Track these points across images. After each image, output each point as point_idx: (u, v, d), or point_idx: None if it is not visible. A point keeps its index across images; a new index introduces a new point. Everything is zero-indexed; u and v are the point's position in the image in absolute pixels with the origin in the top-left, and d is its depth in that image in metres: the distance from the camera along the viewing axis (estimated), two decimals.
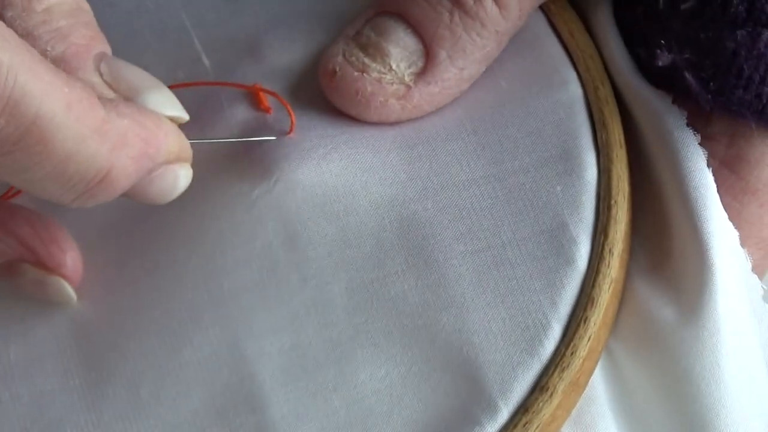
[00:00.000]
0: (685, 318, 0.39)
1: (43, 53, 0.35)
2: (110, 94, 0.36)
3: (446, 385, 0.39)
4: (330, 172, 0.41)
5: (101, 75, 0.36)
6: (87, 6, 0.38)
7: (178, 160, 0.37)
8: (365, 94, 0.41)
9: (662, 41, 0.40)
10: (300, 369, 0.39)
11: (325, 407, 0.39)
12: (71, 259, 0.40)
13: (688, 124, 0.40)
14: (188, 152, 0.38)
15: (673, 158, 0.40)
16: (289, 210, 0.41)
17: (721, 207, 0.40)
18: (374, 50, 0.41)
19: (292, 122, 0.42)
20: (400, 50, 0.41)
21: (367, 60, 0.41)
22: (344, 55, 0.41)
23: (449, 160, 0.42)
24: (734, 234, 0.40)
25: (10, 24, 0.35)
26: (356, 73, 0.41)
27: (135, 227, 0.42)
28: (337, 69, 0.41)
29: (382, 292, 0.40)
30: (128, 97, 0.36)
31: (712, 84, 0.39)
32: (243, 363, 0.39)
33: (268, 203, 0.41)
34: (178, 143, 0.37)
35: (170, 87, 0.41)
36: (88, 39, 0.36)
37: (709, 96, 0.39)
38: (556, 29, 0.44)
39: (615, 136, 0.41)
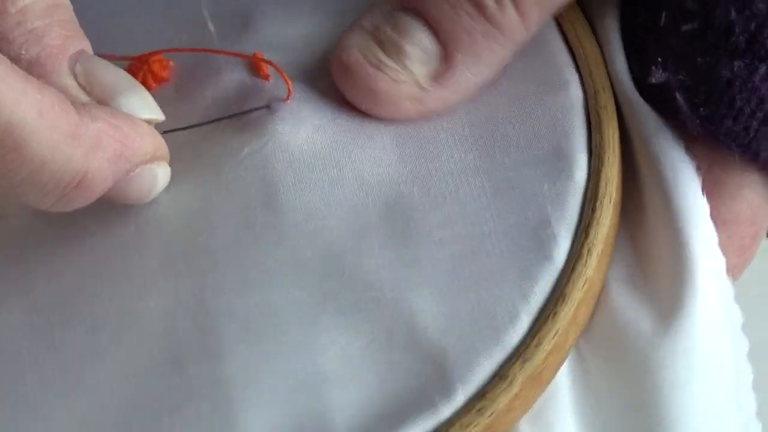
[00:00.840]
0: (662, 333, 0.39)
1: (18, 56, 0.36)
2: (84, 98, 0.37)
3: (407, 364, 0.39)
4: (321, 143, 0.41)
5: (76, 77, 0.37)
6: (66, 1, 0.38)
7: (154, 159, 0.38)
8: (379, 92, 0.41)
9: (659, 58, 0.40)
10: (262, 327, 0.39)
11: (281, 367, 0.39)
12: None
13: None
14: (165, 150, 0.39)
15: (666, 177, 0.40)
16: (275, 172, 0.41)
17: (714, 232, 0.40)
18: (391, 48, 0.40)
19: (289, 89, 0.41)
20: (418, 51, 0.40)
21: (383, 57, 0.40)
22: (360, 49, 0.41)
23: (441, 149, 0.42)
24: (721, 260, 0.40)
25: None
26: (371, 70, 0.40)
27: None
28: (352, 63, 0.41)
29: (356, 264, 0.40)
30: (103, 101, 0.37)
31: (702, 110, 0.39)
32: (207, 316, 0.39)
33: (255, 163, 0.41)
34: (154, 143, 0.38)
35: (172, 50, 0.43)
36: (63, 38, 0.37)
37: (698, 121, 0.40)
38: (563, 31, 0.44)
39: (609, 140, 0.41)
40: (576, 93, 0.42)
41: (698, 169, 0.41)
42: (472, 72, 0.41)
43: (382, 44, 0.41)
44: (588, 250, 0.40)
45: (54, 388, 0.39)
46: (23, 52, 0.36)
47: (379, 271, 0.40)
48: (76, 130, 0.34)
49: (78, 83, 0.37)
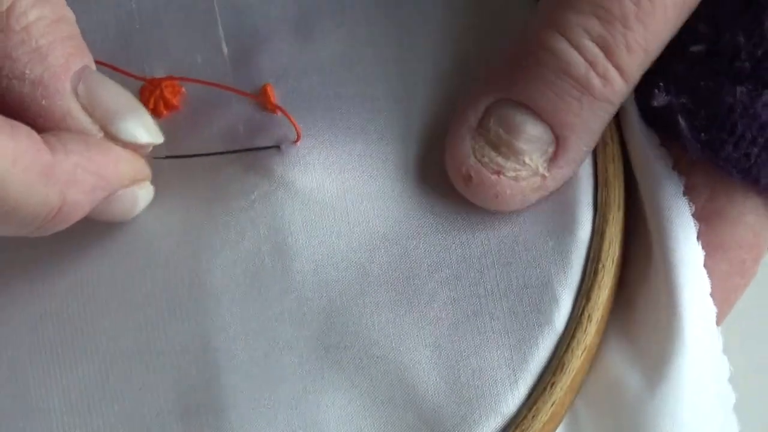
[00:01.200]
0: (650, 389, 0.39)
1: (21, 75, 0.36)
2: (86, 119, 0.37)
3: (406, 426, 0.39)
4: (330, 192, 0.41)
5: (78, 97, 0.37)
6: (69, 14, 0.38)
7: (134, 182, 0.39)
8: (505, 196, 0.40)
9: (661, 82, 0.40)
10: (266, 380, 0.39)
11: (283, 423, 0.39)
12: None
13: (684, 194, 0.40)
14: (145, 172, 0.39)
15: (665, 226, 0.40)
16: (284, 219, 0.41)
17: (707, 284, 0.39)
18: (507, 149, 0.40)
19: (298, 134, 0.42)
20: (532, 144, 0.40)
21: (500, 160, 0.40)
22: (476, 156, 0.40)
23: (446, 203, 0.41)
24: (712, 311, 0.40)
25: None
26: (493, 177, 0.40)
27: None
28: (472, 174, 0.40)
29: (360, 319, 0.40)
30: (103, 123, 0.38)
31: (703, 135, 0.39)
32: (212, 364, 0.39)
33: (265, 207, 0.41)
34: (132, 168, 0.38)
35: (185, 79, 0.43)
36: (66, 57, 0.37)
37: (699, 146, 0.39)
38: None
39: (615, 197, 0.41)
40: None
41: (699, 203, 0.40)
42: (586, 143, 0.40)
43: (496, 147, 0.40)
44: (588, 317, 0.39)
45: (60, 430, 0.39)
46: (27, 71, 0.36)
47: (381, 329, 0.40)
48: (50, 170, 0.35)
49: (80, 104, 0.37)
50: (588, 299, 0.40)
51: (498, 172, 0.40)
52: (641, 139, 0.41)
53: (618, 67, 0.38)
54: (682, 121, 0.39)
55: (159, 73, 0.43)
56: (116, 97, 0.38)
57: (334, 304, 0.40)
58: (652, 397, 0.38)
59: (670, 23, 0.38)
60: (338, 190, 0.41)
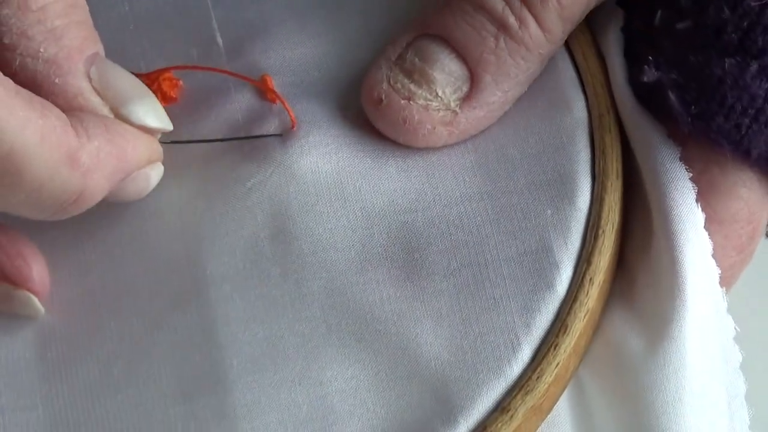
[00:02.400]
0: (652, 350, 0.39)
1: (36, 54, 0.37)
2: (97, 101, 0.37)
3: (410, 395, 0.39)
4: (326, 173, 0.41)
5: (90, 80, 0.37)
6: (82, 1, 0.38)
7: (149, 162, 0.39)
8: (413, 122, 0.41)
9: (651, 57, 0.40)
10: (268, 359, 0.39)
11: (287, 400, 0.39)
12: (38, 273, 0.40)
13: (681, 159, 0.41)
14: (158, 153, 0.39)
15: (663, 191, 0.40)
16: (281, 203, 0.41)
17: (708, 244, 0.40)
18: (419, 77, 0.41)
19: (292, 121, 0.42)
20: (446, 76, 0.40)
21: (413, 87, 0.41)
22: (389, 82, 0.41)
23: (445, 175, 0.42)
24: (714, 272, 0.40)
25: (4, 22, 0.36)
26: (402, 101, 0.41)
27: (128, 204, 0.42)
28: (383, 97, 0.41)
29: (360, 296, 0.40)
30: (114, 106, 0.38)
31: (693, 107, 0.39)
32: (215, 349, 0.40)
33: (261, 194, 0.41)
34: (148, 148, 0.38)
35: (181, 68, 0.43)
36: (80, 40, 0.37)
37: (689, 119, 0.40)
38: (570, 50, 0.44)
39: (613, 165, 0.41)
40: (581, 114, 0.42)
41: (692, 177, 0.41)
42: (503, 89, 0.41)
43: (409, 74, 0.41)
44: (590, 280, 0.40)
45: (65, 421, 0.39)
46: (42, 50, 0.37)
47: (383, 304, 0.40)
48: (75, 154, 0.35)
49: (92, 86, 0.38)
50: (589, 263, 0.40)
51: (408, 98, 0.40)
52: (635, 111, 0.42)
53: (534, 15, 0.39)
54: (672, 96, 0.40)
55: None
56: (128, 82, 0.38)
57: (335, 284, 0.40)
58: (656, 358, 0.39)
59: None
60: (333, 170, 0.41)
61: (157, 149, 0.39)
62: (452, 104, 0.41)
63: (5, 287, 0.40)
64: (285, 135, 0.42)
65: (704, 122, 0.39)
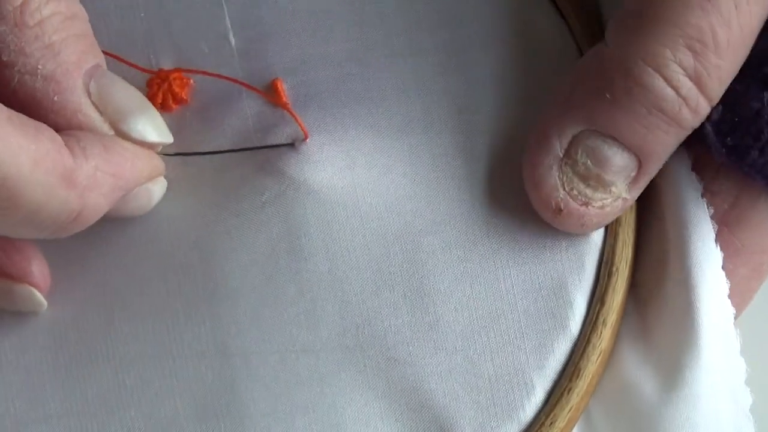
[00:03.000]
0: (666, 397, 0.39)
1: (34, 71, 0.36)
2: (97, 116, 0.37)
3: (423, 430, 0.39)
4: (341, 189, 0.41)
5: (90, 95, 0.37)
6: (82, 12, 0.38)
7: (150, 178, 0.39)
8: (591, 224, 0.40)
9: None
10: (282, 384, 0.39)
11: (302, 427, 0.39)
12: (37, 267, 0.40)
13: (702, 196, 0.40)
14: (159, 168, 0.39)
15: (682, 228, 0.40)
16: (296, 218, 0.40)
17: (725, 285, 0.39)
18: (596, 182, 0.39)
19: (305, 134, 0.41)
20: (619, 173, 0.39)
21: (589, 192, 0.39)
22: (564, 188, 0.40)
23: (460, 197, 0.41)
24: (730, 313, 0.39)
25: (2, 39, 0.36)
26: (582, 209, 0.39)
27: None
28: (562, 206, 0.39)
29: (375, 320, 0.40)
30: (114, 120, 0.37)
31: (729, 139, 0.39)
32: (228, 369, 0.39)
33: (276, 208, 0.41)
34: (148, 165, 0.38)
35: (192, 71, 0.42)
36: (79, 54, 0.37)
37: (724, 150, 0.39)
38: None
39: None
40: None
41: (722, 209, 0.40)
42: (664, 161, 0.40)
43: (585, 180, 0.39)
44: (603, 321, 0.39)
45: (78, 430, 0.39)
46: (40, 67, 0.36)
47: (397, 331, 0.39)
48: (72, 175, 0.35)
49: (91, 102, 0.37)
50: (602, 303, 0.40)
51: (586, 204, 0.40)
52: None
53: (708, 98, 0.38)
54: (707, 126, 0.39)
55: (165, 64, 0.43)
56: (127, 96, 0.38)
57: (350, 305, 0.40)
58: (669, 403, 0.38)
59: (750, 43, 0.38)
60: (349, 187, 0.41)
61: (158, 164, 0.39)
62: (623, 193, 0.40)
63: (5, 283, 0.39)
64: (297, 146, 0.41)
65: (738, 156, 0.39)
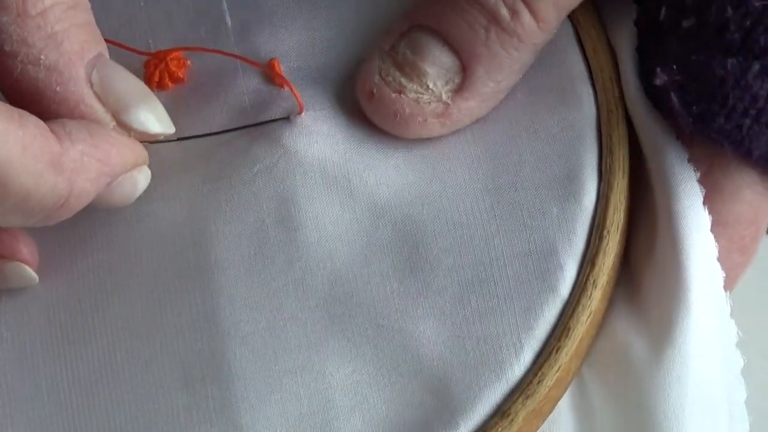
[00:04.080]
0: (657, 357, 0.39)
1: (36, 61, 0.36)
2: (99, 107, 0.37)
3: (411, 394, 0.39)
4: (333, 162, 0.41)
5: (92, 85, 0.37)
6: (84, 1, 0.38)
7: (134, 166, 0.39)
8: (404, 115, 0.41)
9: (660, 60, 0.40)
10: (270, 350, 0.39)
11: (288, 392, 0.39)
12: (25, 244, 0.40)
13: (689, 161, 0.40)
14: (143, 156, 0.39)
15: (670, 192, 0.40)
16: (287, 190, 0.41)
17: (714, 248, 0.39)
18: (410, 70, 0.40)
19: (300, 107, 0.42)
20: (437, 69, 0.40)
21: (403, 80, 0.41)
22: (381, 74, 0.41)
23: (452, 168, 0.42)
24: (720, 276, 0.39)
25: (4, 29, 0.36)
26: (393, 95, 0.41)
27: None
28: (375, 90, 0.41)
29: (365, 289, 0.40)
30: (116, 112, 0.38)
31: (695, 108, 0.39)
32: (217, 336, 0.40)
33: (267, 180, 0.41)
34: (132, 152, 0.38)
35: (190, 49, 0.43)
36: (81, 43, 0.37)
37: (690, 119, 0.39)
38: (581, 42, 0.43)
39: (619, 163, 0.41)
40: (590, 111, 0.42)
41: (698, 176, 0.40)
42: (495, 80, 0.40)
43: (401, 67, 0.41)
44: (593, 282, 0.39)
45: (68, 407, 0.40)
46: (42, 57, 0.37)
47: (386, 298, 0.40)
48: (59, 159, 0.35)
49: (93, 92, 0.38)
50: (593, 265, 0.40)
51: (399, 92, 0.40)
52: (644, 109, 0.41)
53: (527, 5, 0.39)
54: (674, 96, 0.39)
55: (163, 48, 0.43)
56: (130, 86, 0.38)
57: (339, 274, 0.40)
58: (659, 363, 0.39)
59: None
60: (340, 160, 0.41)
61: (142, 153, 0.39)
62: (444, 96, 0.40)
63: None
64: (292, 119, 0.42)
65: (705, 123, 0.39)
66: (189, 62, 0.44)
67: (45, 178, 0.35)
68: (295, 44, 0.44)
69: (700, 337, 0.39)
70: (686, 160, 0.40)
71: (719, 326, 0.39)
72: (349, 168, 0.41)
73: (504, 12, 0.39)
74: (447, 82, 0.40)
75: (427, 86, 0.40)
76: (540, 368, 0.39)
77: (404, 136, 0.41)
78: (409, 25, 0.41)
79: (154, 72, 0.43)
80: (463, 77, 0.40)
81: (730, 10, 0.38)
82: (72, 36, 0.37)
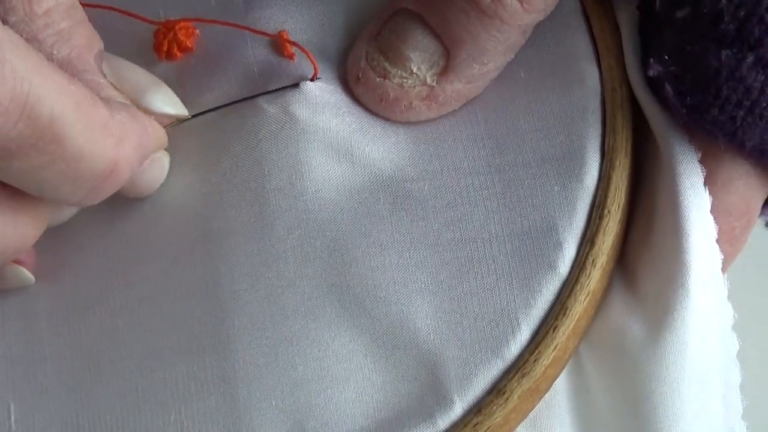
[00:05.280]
0: (654, 339, 0.39)
1: (49, 57, 0.37)
2: (116, 94, 0.38)
3: (407, 368, 0.39)
4: (337, 133, 0.41)
5: (105, 75, 0.38)
6: (77, 2, 0.39)
7: (160, 147, 0.40)
8: (389, 99, 0.41)
9: (655, 51, 0.40)
10: (268, 318, 0.39)
11: (284, 360, 0.39)
12: None
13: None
14: (165, 139, 0.40)
15: (671, 171, 0.40)
16: (289, 158, 0.41)
17: (713, 230, 0.39)
18: (394, 55, 0.41)
19: (315, 69, 0.42)
20: (420, 53, 0.40)
21: (387, 65, 0.41)
22: (367, 59, 0.41)
23: (454, 145, 0.42)
24: (718, 258, 0.39)
25: (14, 29, 0.36)
26: (378, 79, 0.41)
27: None
28: (360, 75, 0.41)
29: (363, 260, 0.40)
30: (132, 97, 0.38)
31: (689, 99, 0.39)
32: (217, 304, 0.40)
33: (270, 147, 0.41)
34: (160, 132, 0.39)
35: (199, 20, 0.43)
36: (87, 38, 0.38)
37: (684, 110, 0.39)
38: (588, 20, 0.43)
39: (622, 143, 0.41)
40: (594, 89, 0.42)
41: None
42: (480, 62, 0.41)
43: (384, 52, 0.41)
44: (592, 262, 0.39)
45: (71, 375, 0.40)
46: (54, 52, 0.37)
47: (385, 270, 0.40)
48: (108, 121, 0.35)
49: (108, 81, 0.38)
50: (592, 244, 0.40)
51: (384, 76, 0.41)
52: (647, 91, 0.41)
53: None
54: (668, 87, 0.39)
55: (173, 18, 0.44)
56: (139, 74, 0.39)
57: (338, 243, 0.40)
58: (656, 348, 0.39)
59: None
60: (345, 131, 0.41)
61: (165, 136, 0.40)
62: (428, 79, 0.41)
63: None
64: (302, 87, 0.42)
65: (699, 114, 0.39)
66: (198, 31, 0.44)
67: (96, 139, 0.35)
68: (303, 19, 0.44)
69: (697, 321, 0.39)
70: (688, 142, 0.40)
71: (716, 309, 0.40)
72: (353, 140, 0.41)
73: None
74: (431, 66, 0.41)
75: (411, 71, 0.41)
76: (537, 347, 0.39)
77: (392, 119, 0.42)
78: (394, 9, 0.41)
79: (163, 41, 0.43)
80: (447, 60, 0.40)
81: (724, 1, 0.38)
82: (78, 31, 0.38)
